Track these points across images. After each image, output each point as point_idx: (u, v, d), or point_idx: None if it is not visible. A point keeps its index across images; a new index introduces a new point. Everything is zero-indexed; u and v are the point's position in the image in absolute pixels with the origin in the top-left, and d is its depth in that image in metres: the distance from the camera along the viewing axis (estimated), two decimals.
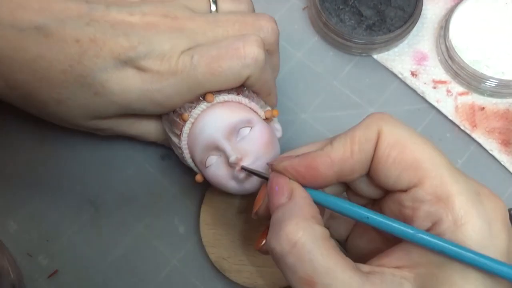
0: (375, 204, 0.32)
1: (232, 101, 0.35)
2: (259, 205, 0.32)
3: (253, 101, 0.36)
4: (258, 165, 0.34)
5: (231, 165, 0.33)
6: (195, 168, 0.37)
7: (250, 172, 0.33)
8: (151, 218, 0.42)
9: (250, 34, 0.35)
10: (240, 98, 0.35)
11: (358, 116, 0.45)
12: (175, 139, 0.36)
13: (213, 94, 0.35)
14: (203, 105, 0.35)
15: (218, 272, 0.39)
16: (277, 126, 0.38)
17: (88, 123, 0.37)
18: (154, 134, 0.40)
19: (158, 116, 0.38)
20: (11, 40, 0.32)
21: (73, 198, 0.42)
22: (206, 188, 0.41)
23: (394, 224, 0.28)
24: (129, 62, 0.33)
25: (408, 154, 0.28)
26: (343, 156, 0.29)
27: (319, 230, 0.27)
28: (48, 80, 0.33)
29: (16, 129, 0.44)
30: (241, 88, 0.36)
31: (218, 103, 0.35)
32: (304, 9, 0.49)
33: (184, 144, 0.36)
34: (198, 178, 0.36)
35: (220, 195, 0.41)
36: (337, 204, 0.29)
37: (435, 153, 0.28)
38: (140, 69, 0.34)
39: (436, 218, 0.27)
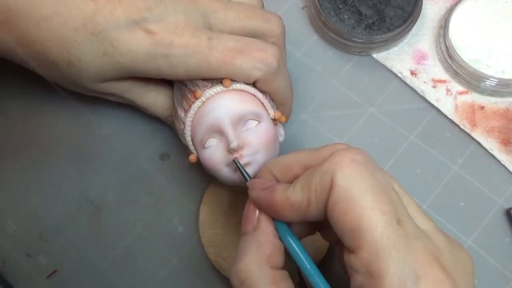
0: None
1: (248, 91, 0.36)
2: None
3: (266, 98, 0.36)
4: (255, 159, 0.34)
5: (230, 150, 0.34)
6: (191, 147, 0.37)
7: (238, 167, 0.34)
8: (150, 218, 0.42)
9: (271, 44, 0.36)
10: (255, 91, 0.36)
11: (357, 115, 0.45)
12: (181, 113, 0.36)
13: (231, 81, 0.35)
14: (218, 88, 0.35)
15: (217, 272, 0.39)
16: (281, 130, 0.38)
17: (97, 86, 0.37)
18: (160, 108, 0.40)
19: (167, 90, 0.39)
20: None
21: (72, 198, 0.42)
22: (205, 188, 0.41)
23: None
24: (141, 23, 0.34)
25: (351, 217, 0.26)
26: (301, 204, 0.28)
27: (269, 273, 0.28)
28: (61, 38, 0.34)
29: (15, 129, 0.44)
30: None
31: (234, 90, 0.35)
32: (303, 8, 0.49)
33: (188, 120, 0.36)
34: (192, 158, 0.36)
35: (219, 195, 0.41)
36: (291, 249, 0.29)
37: (382, 220, 0.25)
38: (151, 32, 0.34)
39: None
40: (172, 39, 0.34)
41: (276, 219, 0.30)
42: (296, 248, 0.29)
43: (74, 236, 0.41)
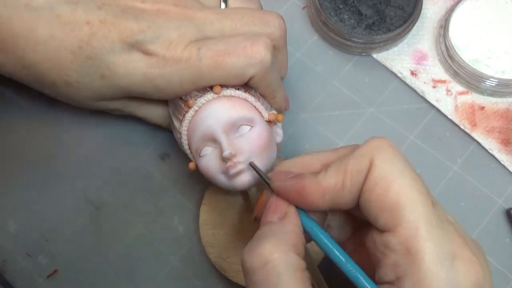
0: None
1: (238, 97, 0.36)
2: (259, 211, 0.31)
3: (259, 101, 0.36)
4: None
5: (223, 159, 0.34)
6: (190, 156, 0.37)
7: (256, 172, 0.33)
8: (151, 218, 0.42)
9: (260, 36, 0.35)
10: (246, 95, 0.36)
11: (357, 115, 0.45)
12: (176, 123, 0.37)
13: (221, 87, 0.35)
14: (209, 96, 0.35)
15: (218, 272, 0.39)
16: (279, 130, 0.38)
17: (97, 104, 0.38)
18: (161, 118, 0.40)
19: (165, 101, 0.39)
20: (26, 20, 0.34)
21: (73, 198, 0.42)
22: (206, 188, 0.41)
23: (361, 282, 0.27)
24: (136, 46, 0.34)
25: (391, 195, 0.26)
26: (335, 187, 0.28)
27: (295, 259, 0.27)
28: (58, 61, 0.34)
29: (16, 129, 0.44)
30: (249, 86, 0.36)
31: (225, 96, 0.35)
32: (303, 8, 0.49)
33: (184, 130, 0.36)
34: (191, 166, 0.37)
35: (220, 195, 0.41)
36: (320, 240, 0.29)
37: (420, 199, 0.26)
38: (146, 53, 0.34)
39: (401, 272, 0.25)
40: (166, 58, 0.34)
41: (302, 207, 0.29)
42: (326, 241, 0.29)
43: (74, 236, 0.41)
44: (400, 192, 0.26)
